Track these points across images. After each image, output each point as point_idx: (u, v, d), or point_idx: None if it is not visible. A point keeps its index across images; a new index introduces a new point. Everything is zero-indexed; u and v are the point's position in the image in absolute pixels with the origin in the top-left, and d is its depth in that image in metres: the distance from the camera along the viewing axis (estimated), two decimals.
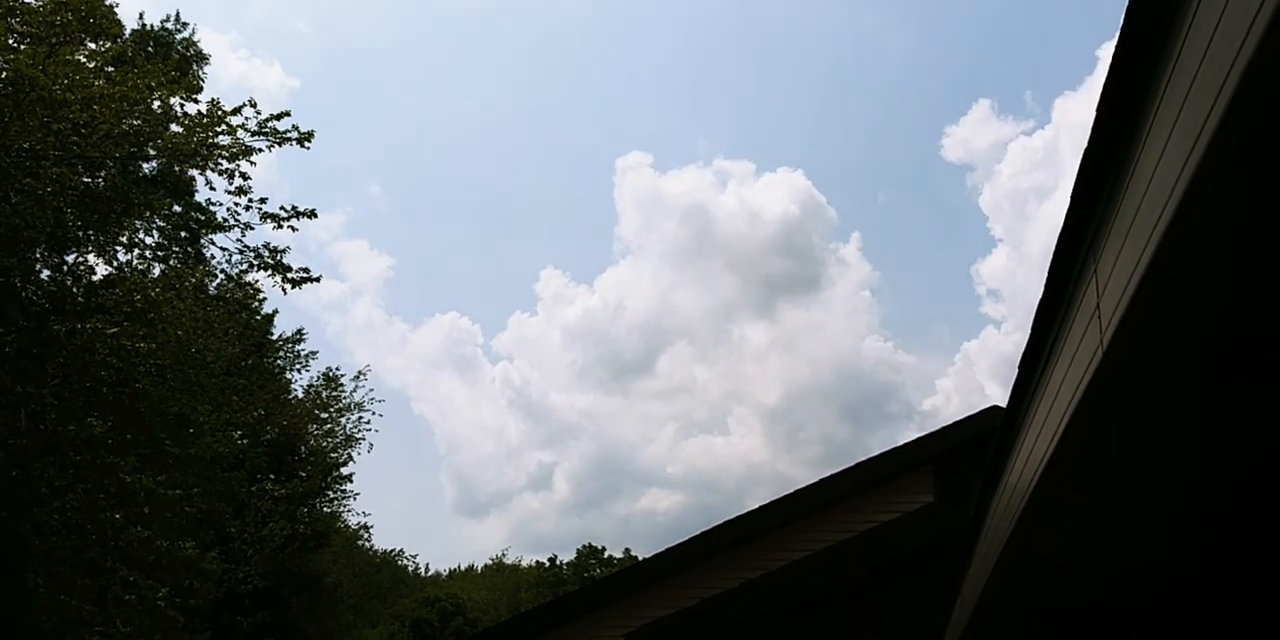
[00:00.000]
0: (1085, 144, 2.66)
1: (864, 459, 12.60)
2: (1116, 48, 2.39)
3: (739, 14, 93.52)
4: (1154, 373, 2.87)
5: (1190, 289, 2.48)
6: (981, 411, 12.49)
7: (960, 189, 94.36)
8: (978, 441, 12.01)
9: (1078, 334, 3.09)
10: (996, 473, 4.76)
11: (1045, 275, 3.21)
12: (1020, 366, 3.80)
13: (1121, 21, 2.32)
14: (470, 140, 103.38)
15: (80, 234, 15.06)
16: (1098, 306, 2.84)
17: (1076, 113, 75.22)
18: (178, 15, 27.73)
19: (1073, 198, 2.84)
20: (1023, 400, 3.98)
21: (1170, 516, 4.26)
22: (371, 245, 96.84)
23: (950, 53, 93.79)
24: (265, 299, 19.87)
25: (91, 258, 15.81)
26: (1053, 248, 3.10)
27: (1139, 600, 5.65)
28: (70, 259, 15.64)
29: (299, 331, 33.91)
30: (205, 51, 28.58)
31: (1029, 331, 3.59)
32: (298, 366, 33.72)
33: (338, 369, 36.48)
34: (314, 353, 34.62)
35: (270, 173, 52.76)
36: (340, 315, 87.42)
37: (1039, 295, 3.36)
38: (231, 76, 52.01)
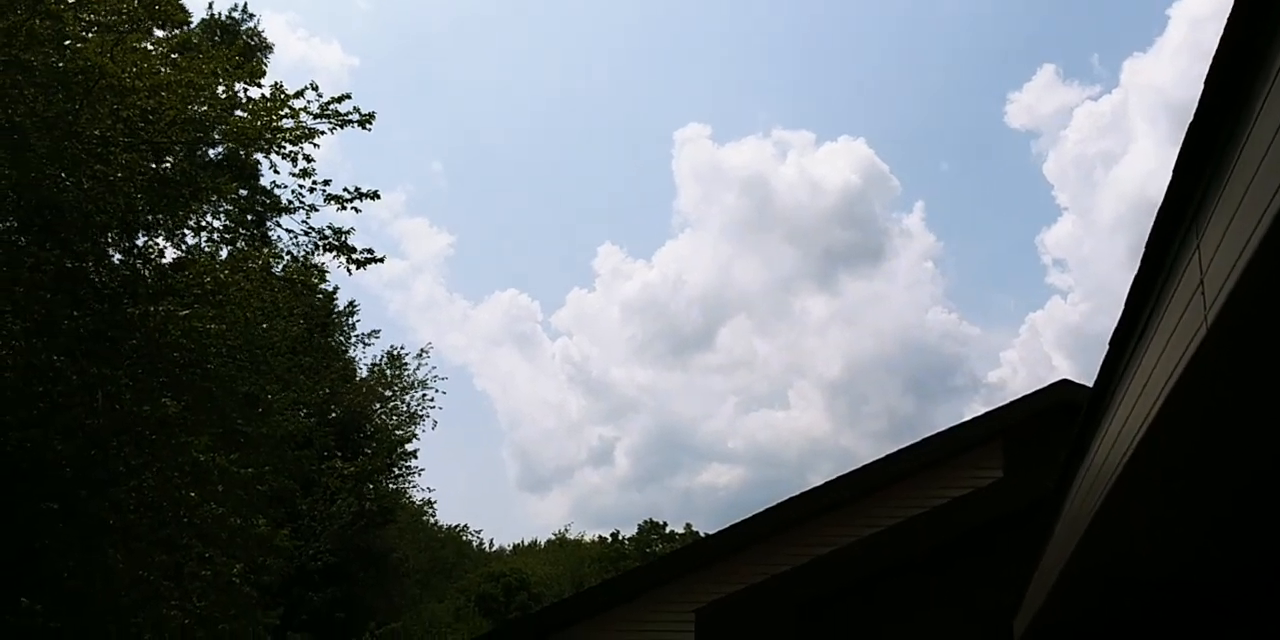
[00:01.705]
0: (1193, 115, 2.58)
1: (932, 434, 12.54)
2: (1235, 5, 2.30)
3: None
4: (1261, 351, 2.80)
5: None
6: (1052, 385, 12.37)
7: (1025, 156, 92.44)
8: (1048, 415, 11.89)
9: (1178, 309, 3.01)
10: (1083, 447, 4.69)
11: (1143, 248, 3.13)
12: (1112, 342, 3.73)
13: None
14: (528, 116, 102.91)
15: (150, 218, 15.30)
16: (1201, 282, 2.76)
17: (1147, 75, 73.17)
18: (245, 6, 28.16)
19: (1176, 169, 2.76)
20: (1113, 375, 3.90)
21: (1262, 501, 4.17)
22: (432, 222, 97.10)
23: (1012, 16, 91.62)
24: (329, 276, 20.01)
25: (161, 241, 16.06)
26: (1152, 220, 3.02)
27: (1223, 580, 5.56)
28: (140, 243, 15.91)
29: (351, 304, 34.00)
30: (269, 40, 29.03)
31: (1123, 305, 3.51)
32: (357, 344, 34.07)
33: (401, 347, 36.72)
34: (376, 331, 34.88)
35: (332, 152, 53.02)
36: (402, 293, 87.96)
37: (1135, 268, 3.29)
38: (291, 57, 52.43)
